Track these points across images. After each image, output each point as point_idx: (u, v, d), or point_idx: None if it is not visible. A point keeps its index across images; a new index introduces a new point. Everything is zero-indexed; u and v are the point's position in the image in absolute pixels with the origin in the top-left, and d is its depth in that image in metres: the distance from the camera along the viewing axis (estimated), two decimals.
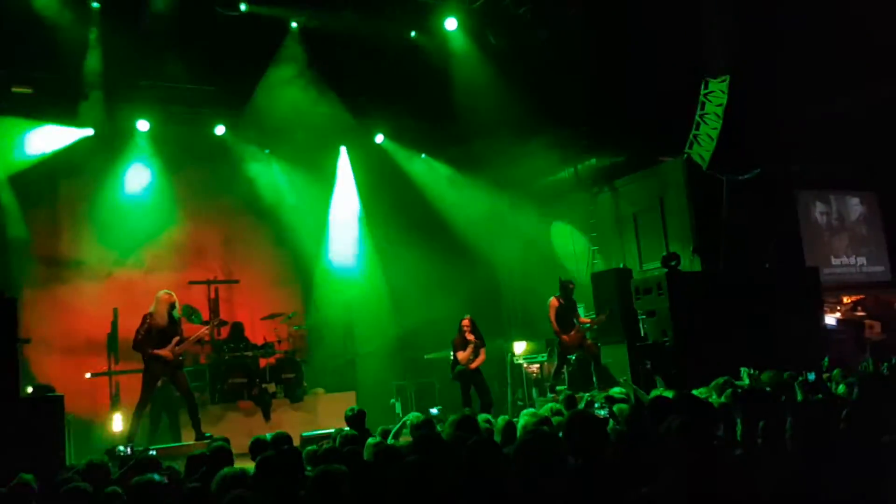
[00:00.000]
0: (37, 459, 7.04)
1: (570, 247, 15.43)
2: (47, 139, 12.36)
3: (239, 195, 13.99)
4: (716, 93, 12.02)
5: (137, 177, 13.33)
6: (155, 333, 9.60)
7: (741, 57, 11.61)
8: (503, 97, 12.45)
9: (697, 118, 12.28)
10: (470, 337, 11.17)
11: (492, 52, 12.62)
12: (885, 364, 8.65)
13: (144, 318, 9.67)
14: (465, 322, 11.26)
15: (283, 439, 6.48)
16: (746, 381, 7.58)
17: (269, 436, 6.63)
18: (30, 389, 9.69)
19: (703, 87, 12.21)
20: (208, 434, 9.55)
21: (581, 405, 7.86)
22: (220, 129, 13.53)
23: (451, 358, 11.34)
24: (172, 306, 9.79)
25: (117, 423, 10.72)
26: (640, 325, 11.92)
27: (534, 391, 13.35)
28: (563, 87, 12.84)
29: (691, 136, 12.43)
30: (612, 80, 12.51)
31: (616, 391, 8.57)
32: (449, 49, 12.66)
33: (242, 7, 11.12)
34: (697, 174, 12.80)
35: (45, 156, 12.33)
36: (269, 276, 14.52)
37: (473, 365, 11.13)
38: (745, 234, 12.68)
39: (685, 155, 12.77)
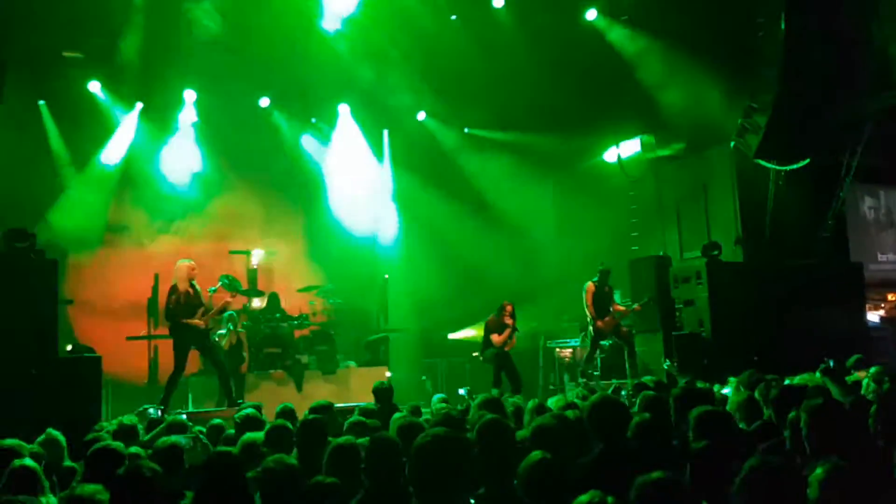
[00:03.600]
0: (73, 417, 7.22)
1: None
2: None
3: (281, 167, 14.10)
4: (766, 80, 11.73)
5: (182, 146, 13.51)
6: (183, 303, 9.72)
7: (793, 47, 11.28)
8: (549, 78, 12.32)
9: (746, 106, 12.01)
10: (509, 321, 11.18)
11: (539, 32, 12.45)
12: None
13: (171, 288, 9.78)
14: (509, 307, 11.27)
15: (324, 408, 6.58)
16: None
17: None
18: (69, 348, 9.90)
19: (753, 74, 11.93)
20: (241, 401, 9.69)
21: (609, 391, 7.80)
22: (264, 102, 13.64)
23: (483, 339, 11.35)
24: (192, 276, 9.88)
25: None
26: (677, 315, 11.78)
27: (566, 376, 13.29)
28: (610, 69, 12.67)
29: (739, 123, 12.16)
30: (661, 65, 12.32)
31: (647, 379, 8.49)
32: (495, 27, 12.54)
33: None
34: (744, 163, 12.55)
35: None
36: (307, 248, 14.64)
37: (507, 348, 11.16)
38: (790, 226, 12.42)
39: (732, 143, 12.51)
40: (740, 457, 3.57)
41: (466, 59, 12.38)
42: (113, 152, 13.16)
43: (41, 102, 12.44)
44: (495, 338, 11.15)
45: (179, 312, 9.68)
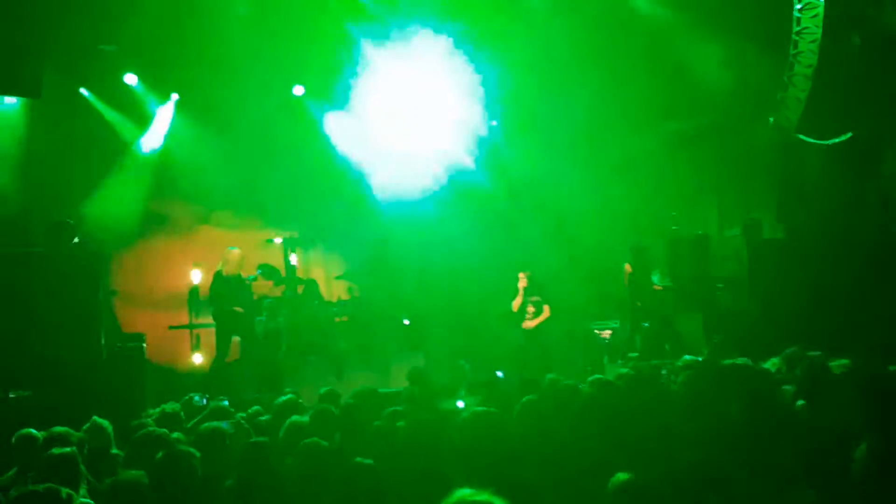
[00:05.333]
0: (119, 406, 7.37)
1: None
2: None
3: (317, 155, 14.14)
4: (805, 53, 11.47)
5: (217, 136, 13.62)
6: (225, 290, 9.83)
7: (834, 16, 11.01)
8: (581, 51, 12.20)
9: (785, 79, 11.75)
10: (520, 286, 11.40)
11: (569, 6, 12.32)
12: None
13: (215, 276, 9.91)
14: (521, 275, 11.48)
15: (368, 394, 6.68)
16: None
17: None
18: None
19: (791, 47, 11.66)
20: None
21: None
22: (298, 90, 13.69)
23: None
24: (241, 264, 10.00)
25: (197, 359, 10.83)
26: (717, 293, 11.63)
27: (605, 357, 13.20)
28: (643, 43, 12.49)
29: (778, 98, 11.92)
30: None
31: (688, 358, 8.41)
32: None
33: None
34: (784, 137, 12.30)
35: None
36: (344, 235, 14.70)
37: (533, 323, 11.23)
38: (833, 201, 12.16)
39: (772, 118, 12.26)
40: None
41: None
42: (150, 143, 13.32)
43: (82, 90, 12.56)
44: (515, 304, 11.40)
45: (222, 300, 9.80)
